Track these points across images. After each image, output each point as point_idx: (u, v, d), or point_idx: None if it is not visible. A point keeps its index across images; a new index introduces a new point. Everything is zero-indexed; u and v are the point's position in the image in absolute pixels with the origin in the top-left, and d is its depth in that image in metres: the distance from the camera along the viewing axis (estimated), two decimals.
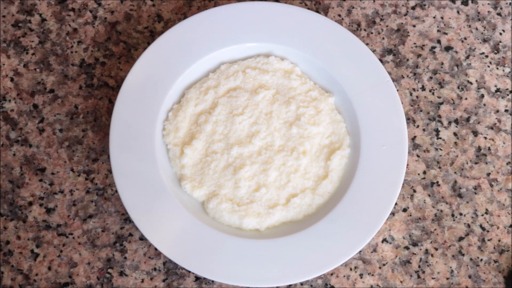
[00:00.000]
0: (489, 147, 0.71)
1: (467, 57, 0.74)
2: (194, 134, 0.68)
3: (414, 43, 0.75)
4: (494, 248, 0.68)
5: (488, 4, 0.76)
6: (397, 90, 0.71)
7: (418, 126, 0.72)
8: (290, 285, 0.67)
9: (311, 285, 0.67)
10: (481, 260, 0.68)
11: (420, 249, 0.68)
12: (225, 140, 0.68)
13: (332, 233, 0.64)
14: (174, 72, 0.69)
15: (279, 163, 0.67)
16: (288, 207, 0.67)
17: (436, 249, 0.68)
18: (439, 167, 0.71)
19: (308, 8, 0.75)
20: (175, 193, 0.66)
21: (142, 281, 0.67)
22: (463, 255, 0.68)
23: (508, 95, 0.73)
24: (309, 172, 0.68)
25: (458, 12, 0.76)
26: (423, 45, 0.75)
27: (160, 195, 0.65)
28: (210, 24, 0.70)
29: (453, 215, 0.69)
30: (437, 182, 0.70)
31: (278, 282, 0.63)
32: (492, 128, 0.72)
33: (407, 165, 0.71)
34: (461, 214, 0.69)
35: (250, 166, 0.67)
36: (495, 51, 0.75)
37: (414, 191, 0.70)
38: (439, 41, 0.75)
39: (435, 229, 0.69)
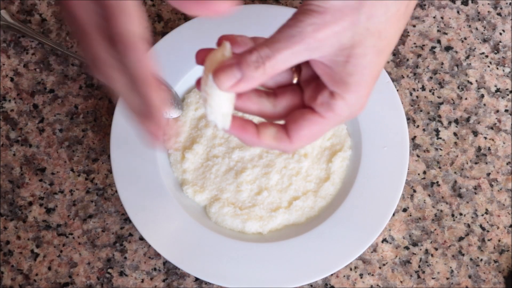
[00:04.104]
0: (489, 147, 0.71)
1: (467, 57, 0.74)
2: (195, 138, 0.68)
3: (414, 43, 0.75)
4: (494, 248, 0.68)
5: (488, 4, 0.76)
6: (397, 90, 0.71)
7: (418, 126, 0.72)
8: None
9: (311, 285, 0.67)
10: (481, 260, 0.68)
11: (420, 249, 0.68)
12: (226, 144, 0.68)
13: (335, 235, 0.64)
14: (174, 76, 0.69)
15: (281, 166, 0.67)
16: (291, 210, 0.67)
17: (436, 249, 0.68)
18: (439, 167, 0.71)
19: None
20: (177, 198, 0.66)
21: (142, 281, 0.67)
22: (463, 255, 0.68)
23: (508, 95, 0.73)
24: (310, 175, 0.68)
25: (458, 12, 0.76)
26: (423, 45, 0.75)
27: (162, 200, 0.65)
28: (209, 27, 0.70)
29: (453, 215, 0.69)
30: (437, 182, 0.70)
31: (281, 285, 0.63)
32: (492, 128, 0.72)
33: None
34: (461, 214, 0.69)
35: (251, 170, 0.67)
36: (495, 51, 0.75)
37: (414, 191, 0.70)
38: (439, 41, 0.75)
39: (435, 229, 0.69)
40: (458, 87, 0.73)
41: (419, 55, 0.74)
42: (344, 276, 0.67)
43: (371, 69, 0.47)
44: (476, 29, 0.76)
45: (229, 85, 0.46)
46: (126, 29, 0.43)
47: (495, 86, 0.74)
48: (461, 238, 0.69)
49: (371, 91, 0.48)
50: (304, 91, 0.50)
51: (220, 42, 0.49)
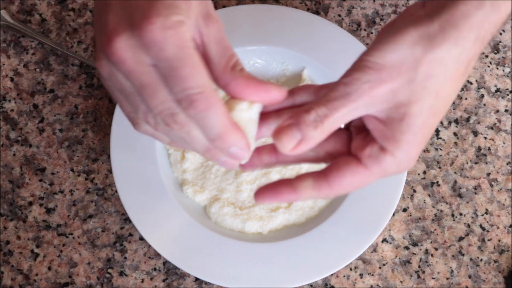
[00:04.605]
0: (489, 147, 0.71)
1: None
2: None
3: None
4: (494, 248, 0.68)
5: None
6: None
7: None
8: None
9: (311, 285, 0.67)
10: (481, 260, 0.68)
11: (420, 249, 0.68)
12: None
13: (334, 235, 0.64)
14: None
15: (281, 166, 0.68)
16: (291, 210, 0.67)
17: (436, 249, 0.68)
18: (439, 167, 0.71)
19: (308, 9, 0.75)
20: (177, 198, 0.66)
21: (142, 281, 0.67)
22: (463, 255, 0.68)
23: (508, 95, 0.73)
24: None
25: None
26: None
27: (162, 200, 0.65)
28: None
29: (453, 215, 0.69)
30: (437, 182, 0.70)
31: (281, 285, 0.63)
32: (492, 128, 0.72)
33: None
34: (461, 214, 0.69)
35: None
36: (495, 51, 0.75)
37: (414, 191, 0.70)
38: None
39: (435, 229, 0.69)
40: None
41: None
42: (344, 276, 0.67)
43: (424, 130, 0.46)
44: None
45: (291, 147, 0.45)
46: (190, 83, 0.43)
47: (495, 86, 0.74)
48: (461, 238, 0.69)
49: (421, 151, 0.47)
50: (354, 138, 0.49)
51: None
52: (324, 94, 0.46)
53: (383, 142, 0.46)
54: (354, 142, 0.48)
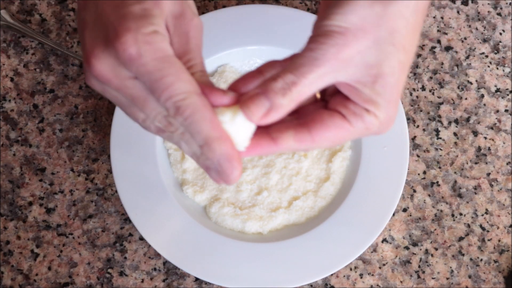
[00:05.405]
0: (489, 147, 0.71)
1: (467, 57, 0.74)
2: None
3: None
4: (494, 248, 0.68)
5: (488, 4, 0.76)
6: None
7: (418, 126, 0.72)
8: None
9: (311, 285, 0.67)
10: (481, 260, 0.68)
11: (420, 249, 0.68)
12: None
13: (335, 235, 0.64)
14: None
15: (281, 166, 0.67)
16: (291, 210, 0.67)
17: (436, 249, 0.68)
18: (439, 167, 0.71)
19: (308, 9, 0.75)
20: (177, 198, 0.66)
21: (142, 281, 0.67)
22: (463, 255, 0.68)
23: (508, 95, 0.73)
24: (310, 175, 0.68)
25: (458, 12, 0.76)
26: (423, 45, 0.75)
27: (162, 200, 0.65)
28: (209, 27, 0.70)
29: (453, 215, 0.69)
30: (437, 182, 0.70)
31: (281, 285, 0.63)
32: (492, 128, 0.72)
33: None
34: (461, 214, 0.69)
35: (251, 170, 0.67)
36: (495, 51, 0.75)
37: (414, 191, 0.70)
38: (439, 41, 0.75)
39: (435, 229, 0.69)
40: (458, 87, 0.73)
41: (419, 55, 0.74)
42: (344, 276, 0.67)
43: (398, 87, 0.46)
44: (476, 29, 0.76)
45: (259, 115, 0.44)
46: (174, 90, 0.42)
47: (495, 86, 0.74)
48: (461, 238, 0.69)
49: (397, 108, 0.47)
50: (334, 96, 0.47)
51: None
52: (291, 62, 0.45)
53: (363, 105, 0.46)
54: (335, 99, 0.47)
